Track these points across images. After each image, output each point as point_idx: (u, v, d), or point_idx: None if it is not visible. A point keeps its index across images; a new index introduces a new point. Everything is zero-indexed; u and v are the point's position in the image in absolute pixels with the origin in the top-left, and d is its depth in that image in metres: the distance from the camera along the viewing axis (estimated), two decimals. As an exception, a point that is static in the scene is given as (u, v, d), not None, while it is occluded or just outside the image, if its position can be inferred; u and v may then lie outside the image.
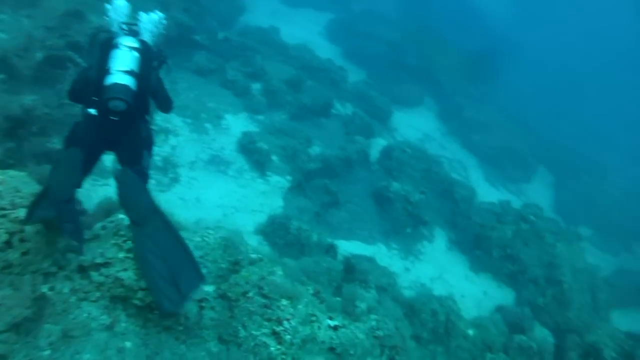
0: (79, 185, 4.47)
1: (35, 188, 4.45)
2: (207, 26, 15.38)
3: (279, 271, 5.57)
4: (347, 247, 10.34)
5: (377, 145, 14.65)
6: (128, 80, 4.56)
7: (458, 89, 21.47)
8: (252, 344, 4.75)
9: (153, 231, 4.39)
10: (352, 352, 5.24)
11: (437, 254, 12.01)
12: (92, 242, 4.61)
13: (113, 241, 4.55)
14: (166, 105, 5.35)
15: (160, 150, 10.21)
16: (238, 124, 12.35)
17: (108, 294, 4.35)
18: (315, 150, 12.61)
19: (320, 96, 14.93)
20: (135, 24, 5.11)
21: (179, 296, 4.25)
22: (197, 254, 5.25)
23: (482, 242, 12.39)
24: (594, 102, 29.65)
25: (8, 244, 4.03)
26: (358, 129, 14.71)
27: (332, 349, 5.12)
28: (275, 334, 4.84)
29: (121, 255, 4.46)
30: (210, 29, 15.55)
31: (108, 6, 5.09)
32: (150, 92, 4.94)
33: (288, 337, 4.84)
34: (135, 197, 4.53)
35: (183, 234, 4.89)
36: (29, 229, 4.12)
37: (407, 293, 9.86)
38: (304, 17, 23.11)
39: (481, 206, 13.79)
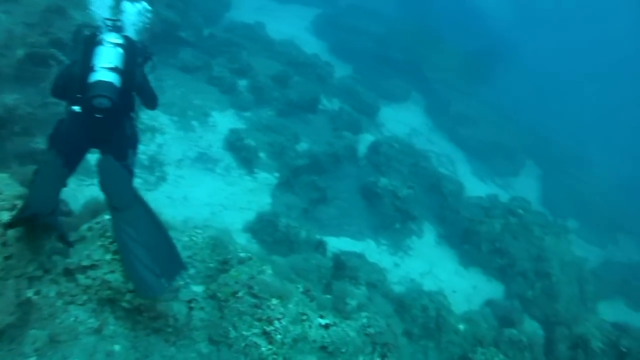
0: (64, 185, 4.40)
1: (18, 190, 4.35)
2: (192, 22, 15.22)
3: (269, 270, 5.53)
4: (336, 243, 10.31)
5: (365, 140, 14.60)
6: (112, 78, 4.50)
7: (445, 83, 21.47)
8: (243, 344, 4.71)
9: (133, 217, 4.34)
10: (343, 350, 5.22)
11: (426, 249, 12.01)
12: (79, 244, 4.52)
13: (100, 243, 4.47)
14: (151, 102, 5.31)
15: (146, 148, 10.09)
16: (225, 121, 12.25)
17: (95, 296, 4.27)
18: (302, 146, 12.53)
19: (307, 92, 14.86)
20: (119, 20, 5.02)
21: (158, 282, 4.20)
22: (185, 254, 5.20)
23: (471, 237, 12.42)
24: (580, 96, 29.87)
25: (-10, 248, 3.93)
26: (345, 125, 14.66)
27: (323, 348, 5.10)
28: (266, 334, 4.80)
29: (108, 257, 4.38)
30: (196, 25, 15.39)
31: (91, 1, 4.99)
32: (135, 88, 4.89)
33: (279, 336, 4.81)
34: (116, 183, 4.48)
35: (171, 233, 4.82)
36: (11, 232, 4.01)
37: (397, 289, 9.86)
38: (290, 13, 22.96)
39: (469, 200, 13.80)
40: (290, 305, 5.16)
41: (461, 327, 8.91)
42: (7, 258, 3.96)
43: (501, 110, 22.65)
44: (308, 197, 11.13)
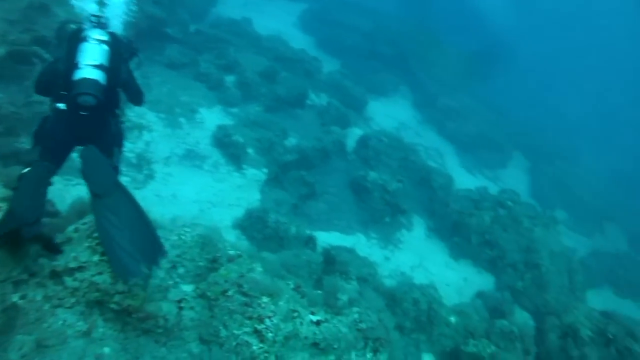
0: (49, 184, 4.38)
1: (2, 192, 4.28)
2: (178, 18, 15.09)
3: (259, 267, 5.49)
4: (326, 238, 10.30)
5: (354, 135, 14.60)
6: (97, 75, 4.47)
7: (433, 77, 21.47)
8: (234, 343, 4.68)
9: (114, 203, 4.32)
10: (335, 346, 5.20)
11: (417, 242, 12.05)
12: (65, 245, 4.46)
13: (87, 244, 4.40)
14: (137, 98, 5.32)
15: (134, 146, 10.01)
16: (212, 117, 12.17)
17: (83, 299, 4.21)
18: (291, 141, 12.49)
19: (295, 87, 14.80)
20: (104, 16, 4.96)
21: (138, 267, 4.20)
22: (174, 253, 5.16)
23: (461, 229, 12.47)
24: (566, 88, 30.09)
25: (-27, 252, 3.87)
26: (334, 119, 14.62)
27: (315, 345, 5.08)
28: (257, 332, 4.76)
29: (96, 258, 4.31)
30: (182, 21, 15.26)
31: None
32: (120, 85, 4.89)
33: (270, 334, 4.77)
34: (97, 171, 4.47)
35: (160, 232, 4.79)
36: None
37: (388, 282, 9.88)
38: (277, 8, 22.84)
39: (459, 193, 13.83)
40: (281, 303, 5.13)
41: (452, 319, 8.95)
42: (-9, 262, 3.90)
43: (489, 104, 22.72)
44: (297, 192, 11.11)
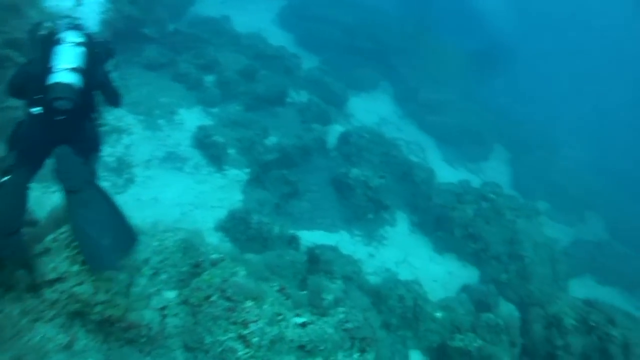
0: (27, 189, 4.37)
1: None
2: (156, 18, 14.85)
3: (242, 271, 5.44)
4: (310, 237, 10.25)
5: (335, 131, 14.53)
6: (73, 79, 4.41)
7: (413, 70, 21.45)
8: (219, 349, 4.63)
9: (86, 198, 4.35)
10: (322, 347, 5.18)
11: (400, 237, 12.07)
12: (43, 256, 4.37)
13: (66, 254, 4.33)
14: (115, 100, 5.24)
15: (113, 150, 9.90)
16: (192, 118, 12.07)
17: (64, 311, 4.14)
18: (272, 140, 12.40)
19: (275, 85, 14.70)
20: (79, 18, 4.88)
21: (110, 257, 4.25)
22: (156, 259, 5.09)
23: (444, 223, 12.50)
24: (546, 78, 30.35)
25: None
26: (314, 117, 14.55)
27: (301, 347, 5.05)
28: (242, 338, 4.72)
29: (75, 268, 4.25)
30: (160, 20, 15.03)
31: None
32: (97, 88, 4.82)
33: (255, 339, 4.74)
34: (70, 168, 4.48)
35: (141, 238, 4.75)
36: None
37: (373, 279, 9.87)
38: (256, 5, 22.64)
39: (441, 187, 13.86)
40: (266, 306, 5.09)
41: (438, 314, 8.98)
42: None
43: (469, 96, 22.77)
44: (279, 191, 11.06)
